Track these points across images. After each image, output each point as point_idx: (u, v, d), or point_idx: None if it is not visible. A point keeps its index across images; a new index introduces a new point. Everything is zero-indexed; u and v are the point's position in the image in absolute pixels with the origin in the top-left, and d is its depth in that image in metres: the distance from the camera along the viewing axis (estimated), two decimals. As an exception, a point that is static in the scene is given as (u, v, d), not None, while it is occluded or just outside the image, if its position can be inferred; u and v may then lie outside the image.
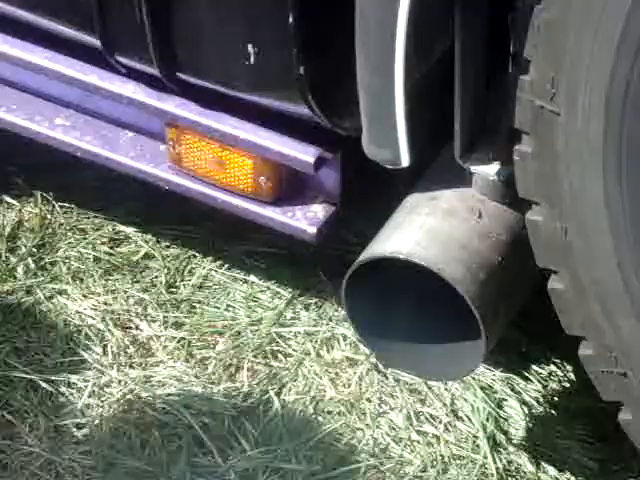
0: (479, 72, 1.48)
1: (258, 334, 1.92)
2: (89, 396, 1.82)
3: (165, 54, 1.61)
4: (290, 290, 1.97)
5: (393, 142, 1.47)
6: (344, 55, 1.46)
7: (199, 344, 1.91)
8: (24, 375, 1.84)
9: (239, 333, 1.92)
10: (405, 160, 1.49)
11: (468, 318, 1.54)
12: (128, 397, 1.82)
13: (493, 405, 1.81)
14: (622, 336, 1.47)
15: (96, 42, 1.66)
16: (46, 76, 1.76)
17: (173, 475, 1.73)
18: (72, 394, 1.83)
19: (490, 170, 1.55)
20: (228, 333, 1.92)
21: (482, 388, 1.83)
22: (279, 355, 1.90)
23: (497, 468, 1.74)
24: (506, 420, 1.80)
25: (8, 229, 2.04)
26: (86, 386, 1.83)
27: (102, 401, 1.82)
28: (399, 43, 1.37)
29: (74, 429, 1.78)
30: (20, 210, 2.07)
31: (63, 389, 1.83)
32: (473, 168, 1.56)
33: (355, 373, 1.86)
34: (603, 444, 1.77)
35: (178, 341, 1.91)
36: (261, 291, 1.98)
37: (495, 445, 1.77)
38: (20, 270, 1.99)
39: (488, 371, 1.85)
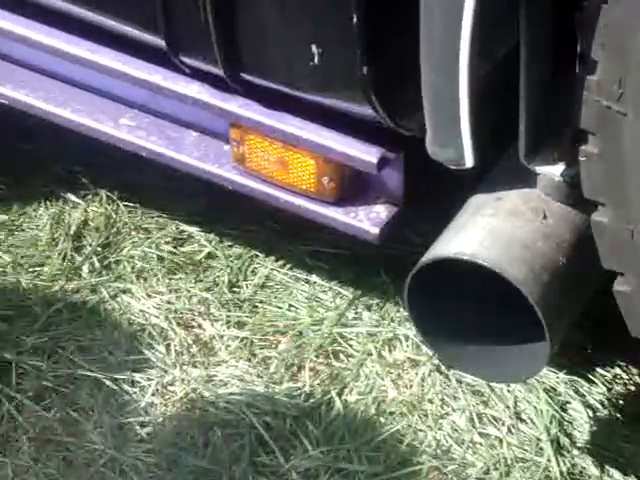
0: (544, 72, 1.47)
1: (320, 334, 1.92)
2: (152, 394, 1.84)
3: (229, 54, 1.61)
4: (352, 290, 1.97)
5: (457, 142, 1.46)
6: (408, 55, 1.45)
7: (261, 344, 1.92)
8: (89, 373, 1.86)
9: (301, 333, 1.92)
10: (469, 160, 1.48)
11: (532, 320, 1.53)
12: (191, 396, 1.83)
13: (557, 408, 1.79)
14: (689, 339, 1.45)
15: (161, 42, 1.67)
16: (111, 76, 1.77)
17: (235, 474, 1.73)
18: (136, 392, 1.84)
19: (555, 171, 1.54)
20: (290, 333, 1.93)
21: (546, 390, 1.81)
22: (341, 355, 1.90)
23: (561, 471, 1.73)
24: (570, 423, 1.79)
25: (74, 228, 2.06)
26: (150, 385, 1.85)
27: (165, 400, 1.83)
28: (464, 42, 1.37)
29: (138, 427, 1.79)
30: (85, 209, 2.10)
31: (127, 387, 1.85)
32: (538, 169, 1.54)
33: (417, 374, 1.86)
34: (669, 448, 1.75)
35: (240, 340, 1.92)
36: (323, 291, 1.98)
37: (559, 448, 1.75)
38: (85, 269, 2.01)
39: (552, 373, 1.83)
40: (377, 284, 1.98)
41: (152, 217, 2.09)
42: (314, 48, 1.53)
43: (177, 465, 1.75)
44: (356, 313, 1.95)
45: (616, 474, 1.73)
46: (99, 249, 2.04)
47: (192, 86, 1.71)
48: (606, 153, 1.39)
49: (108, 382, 1.85)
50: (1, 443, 1.76)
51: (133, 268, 2.01)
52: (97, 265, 2.01)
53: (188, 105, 1.74)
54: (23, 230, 2.08)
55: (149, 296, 1.97)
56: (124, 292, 1.98)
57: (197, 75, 1.70)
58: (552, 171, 1.54)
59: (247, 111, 1.68)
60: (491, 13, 1.37)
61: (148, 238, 2.06)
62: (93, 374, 1.85)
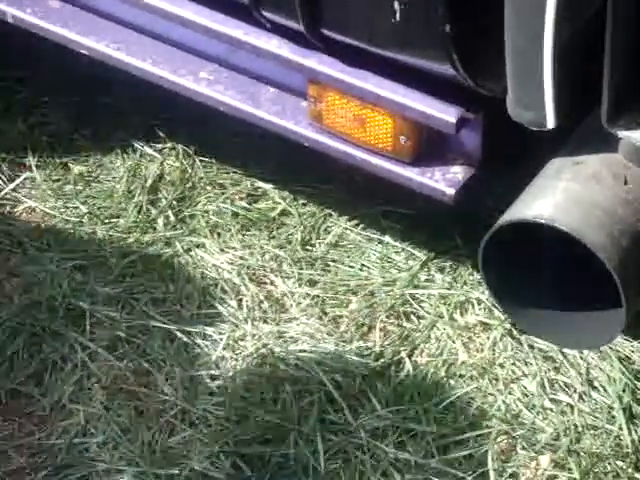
0: (630, 36, 1.44)
1: (391, 295, 1.91)
2: (224, 349, 1.85)
3: (310, 10, 1.60)
4: (425, 252, 1.96)
5: (539, 103, 1.44)
6: (492, 14, 1.43)
7: (332, 302, 1.92)
8: (162, 325, 1.87)
9: (372, 293, 1.92)
10: (551, 122, 1.46)
11: (609, 286, 1.51)
12: (261, 351, 1.84)
13: (630, 376, 1.77)
14: None
15: (243, -3, 1.66)
16: (192, 30, 1.77)
17: (304, 430, 1.74)
18: (207, 346, 1.85)
19: (638, 136, 1.51)
20: (362, 293, 1.92)
21: (620, 359, 1.79)
22: (412, 317, 1.89)
23: (632, 440, 1.71)
24: (643, 392, 1.77)
25: (150, 181, 2.08)
26: (221, 339, 1.86)
27: (236, 354, 1.84)
28: (550, 3, 1.34)
29: (208, 380, 1.81)
30: (162, 163, 2.11)
31: (199, 341, 1.86)
32: (620, 133, 1.52)
33: (488, 338, 1.84)
34: None
35: (312, 298, 1.92)
36: (396, 252, 1.97)
37: (631, 417, 1.73)
38: (160, 222, 2.02)
39: (626, 342, 1.81)
40: (450, 246, 1.96)
41: (227, 173, 2.09)
42: (396, 4, 1.51)
43: (246, 419, 1.76)
44: (428, 275, 1.94)
45: (689, 445, 1.71)
46: (174, 203, 2.05)
47: (272, 41, 1.71)
48: (693, 118, 1.36)
49: (180, 334, 1.86)
50: (74, 391, 1.79)
51: (207, 223, 2.02)
52: (172, 219, 2.02)
53: (268, 60, 1.74)
54: (100, 182, 2.09)
55: (222, 251, 1.98)
56: (198, 246, 1.99)
57: (277, 30, 1.69)
58: (635, 136, 1.51)
59: (326, 67, 1.67)
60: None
61: (223, 193, 2.06)
62: (166, 326, 1.87)
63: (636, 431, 1.72)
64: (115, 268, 1.94)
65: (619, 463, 1.69)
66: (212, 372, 1.82)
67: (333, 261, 1.97)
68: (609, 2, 1.41)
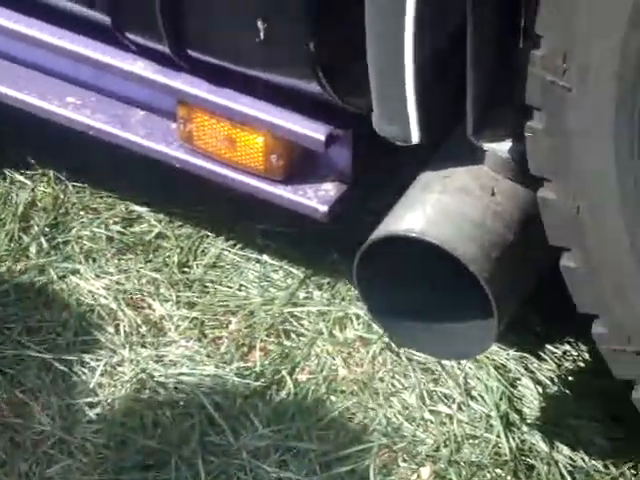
0: (490, 47, 1.47)
1: (271, 314, 1.91)
2: (101, 375, 1.82)
3: (175, 31, 1.60)
4: (303, 270, 1.97)
5: (403, 118, 1.46)
6: (355, 31, 1.44)
7: (212, 324, 1.91)
8: (37, 354, 1.84)
9: (252, 313, 1.92)
10: (415, 137, 1.48)
11: (481, 296, 1.53)
12: (140, 376, 1.82)
13: (507, 384, 1.80)
14: (634, 314, 1.45)
15: (106, 19, 1.65)
16: (56, 54, 1.75)
17: (185, 454, 1.72)
18: (84, 373, 1.83)
19: (502, 147, 1.54)
20: (241, 313, 1.92)
21: (496, 367, 1.82)
22: (292, 335, 1.89)
23: (510, 447, 1.73)
24: (520, 399, 1.79)
25: (21, 208, 2.04)
26: (98, 365, 1.83)
27: (114, 380, 1.82)
28: (409, 17, 1.36)
29: (86, 408, 1.78)
30: (33, 189, 2.07)
31: (76, 368, 1.83)
32: (485, 145, 1.54)
33: (368, 352, 1.85)
34: (617, 423, 1.76)
35: (191, 321, 1.91)
36: (274, 271, 1.97)
37: (509, 424, 1.76)
38: (33, 249, 1.99)
39: (502, 350, 1.83)
40: (328, 263, 1.97)
41: (101, 197, 2.07)
42: (260, 24, 1.52)
43: (126, 445, 1.73)
44: (307, 292, 1.94)
45: (565, 449, 1.74)
46: (47, 229, 2.02)
47: (138, 63, 1.70)
48: (551, 128, 1.39)
49: (56, 363, 1.83)
50: (-53, 425, 1.75)
51: (82, 248, 1.99)
52: (45, 245, 1.99)
53: (134, 83, 1.73)
54: (-31, 211, 2.06)
55: (98, 277, 1.96)
56: (72, 273, 1.96)
57: (143, 52, 1.68)
58: (499, 148, 1.54)
59: (193, 88, 1.67)
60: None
61: (97, 218, 2.04)
62: (41, 355, 1.84)
63: (514, 438, 1.74)
64: (-13, 298, 1.91)
65: (498, 471, 1.71)
66: (90, 400, 1.79)
67: (211, 282, 1.96)
68: (469, 17, 1.43)
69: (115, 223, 2.03)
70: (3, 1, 1.74)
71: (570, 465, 1.73)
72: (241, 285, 1.96)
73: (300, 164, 1.71)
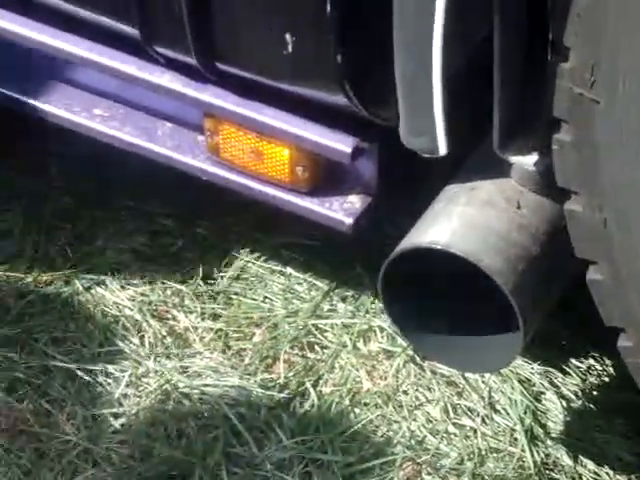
0: (518, 60, 1.47)
1: (295, 326, 1.91)
2: (126, 386, 1.83)
3: (203, 44, 1.61)
4: (327, 282, 1.97)
5: (431, 130, 1.46)
6: (382, 43, 1.45)
7: (236, 335, 1.91)
8: (62, 364, 1.85)
9: (276, 325, 1.92)
10: (443, 149, 1.48)
11: (507, 309, 1.53)
12: (165, 387, 1.82)
13: (531, 398, 1.80)
14: (662, 327, 1.45)
15: (135, 32, 1.66)
16: (85, 66, 1.76)
17: (209, 465, 1.73)
18: (109, 384, 1.83)
19: (529, 160, 1.54)
20: (265, 325, 1.92)
21: (520, 381, 1.81)
22: (316, 347, 1.89)
23: (535, 462, 1.73)
24: (544, 414, 1.79)
25: (47, 219, 2.05)
26: (123, 376, 1.84)
27: (139, 391, 1.83)
28: (437, 29, 1.37)
29: (111, 418, 1.79)
30: (59, 201, 2.08)
31: (101, 379, 1.84)
32: (512, 158, 1.54)
33: (392, 365, 1.85)
34: (643, 439, 1.76)
35: (215, 332, 1.91)
36: (298, 283, 1.98)
37: (533, 439, 1.75)
38: (59, 261, 2.00)
39: (526, 364, 1.83)
40: (352, 276, 1.97)
41: (127, 209, 2.08)
42: (288, 36, 1.52)
43: (150, 456, 1.74)
44: (331, 305, 1.95)
45: (590, 464, 1.73)
46: (73, 241, 2.03)
47: (166, 76, 1.71)
48: (579, 141, 1.39)
49: (81, 373, 1.84)
50: (-27, 434, 1.76)
51: (107, 260, 2.00)
52: (71, 257, 2.00)
53: (162, 95, 1.73)
54: (-4, 222, 2.07)
55: (123, 288, 1.97)
56: (98, 284, 1.97)
57: (171, 65, 1.69)
58: (526, 161, 1.54)
59: (221, 100, 1.68)
60: (464, 0, 1.37)
61: (122, 230, 2.05)
62: (66, 365, 1.84)
63: (538, 452, 1.74)
64: (13, 309, 1.92)
65: (522, 485, 1.71)
66: (115, 410, 1.80)
67: (235, 294, 1.97)
68: (496, 30, 1.44)
69: (140, 235, 2.04)
70: (34, 14, 1.75)
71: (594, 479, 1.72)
72: (265, 297, 1.96)
73: (326, 176, 1.72)
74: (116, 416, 1.79)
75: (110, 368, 1.85)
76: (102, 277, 1.97)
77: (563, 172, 1.43)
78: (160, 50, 1.67)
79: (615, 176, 1.38)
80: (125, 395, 1.82)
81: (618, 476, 1.72)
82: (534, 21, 1.45)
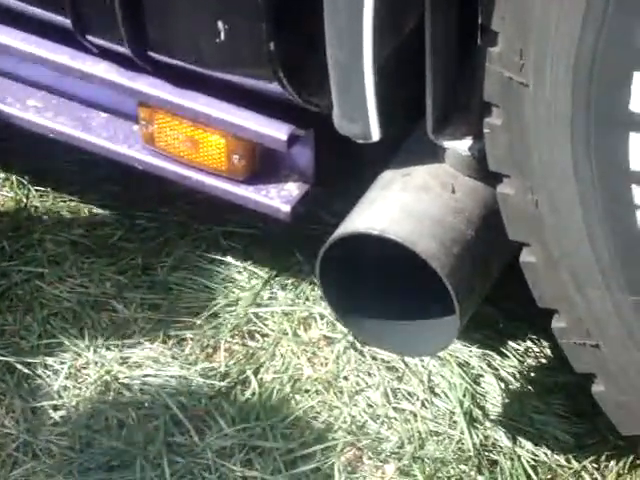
0: (450, 45, 1.48)
1: (235, 315, 1.92)
2: (66, 378, 1.82)
3: (135, 32, 1.60)
4: (267, 270, 1.97)
5: (363, 117, 1.47)
6: (315, 30, 1.45)
7: (176, 325, 1.91)
8: (0, 358, 1.83)
9: (216, 314, 1.92)
10: (376, 134, 1.49)
11: (443, 293, 1.54)
12: (105, 378, 1.82)
13: (470, 381, 1.81)
14: (594, 308, 1.47)
15: (67, 22, 1.65)
16: (17, 57, 1.75)
17: (150, 454, 1.73)
18: (49, 376, 1.82)
19: (462, 145, 1.55)
20: (205, 314, 1.92)
21: (459, 365, 1.83)
22: (256, 335, 1.90)
23: (474, 444, 1.74)
24: (483, 396, 1.81)
25: (-17, 212, 2.04)
26: (63, 368, 1.83)
27: (79, 383, 1.82)
28: (367, 15, 1.37)
29: (51, 411, 1.78)
30: (-5, 193, 2.07)
31: (40, 371, 1.83)
32: (445, 143, 1.55)
33: (332, 352, 1.86)
34: (579, 418, 1.77)
35: (155, 323, 1.91)
36: (238, 272, 1.98)
37: (472, 421, 1.77)
38: (-4, 253, 1.99)
39: (465, 347, 1.85)
40: (292, 263, 1.98)
41: (64, 201, 2.07)
42: (220, 24, 1.52)
43: (91, 447, 1.73)
44: (271, 293, 1.95)
45: (528, 445, 1.75)
46: (10, 234, 2.01)
47: (99, 65, 1.70)
48: (509, 124, 1.41)
49: (20, 366, 1.83)
50: None
51: (45, 252, 1.99)
52: (8, 249, 1.99)
53: (96, 85, 1.72)
54: None
55: (61, 280, 1.95)
56: (36, 276, 1.96)
57: (104, 54, 1.69)
58: (459, 145, 1.55)
59: (155, 90, 1.67)
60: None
61: (60, 222, 2.04)
62: (4, 358, 1.83)
63: (477, 434, 1.76)
64: (-50, 302, 1.91)
65: (462, 467, 1.72)
66: (54, 402, 1.79)
67: (175, 284, 1.97)
68: (427, 15, 1.45)
69: (78, 226, 2.03)
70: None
71: (533, 460, 1.74)
72: (205, 286, 1.96)
73: (262, 164, 1.72)
74: (56, 408, 1.78)
75: (49, 360, 1.84)
76: (40, 269, 1.96)
77: (494, 156, 1.45)
78: (93, 40, 1.66)
79: (545, 158, 1.40)
80: (65, 387, 1.81)
81: (556, 456, 1.74)
82: (465, 6, 1.46)
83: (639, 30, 1.26)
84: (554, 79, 1.33)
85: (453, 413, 1.78)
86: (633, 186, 1.35)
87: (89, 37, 1.66)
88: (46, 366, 1.84)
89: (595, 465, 1.74)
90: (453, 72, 1.52)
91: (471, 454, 1.73)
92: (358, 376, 1.83)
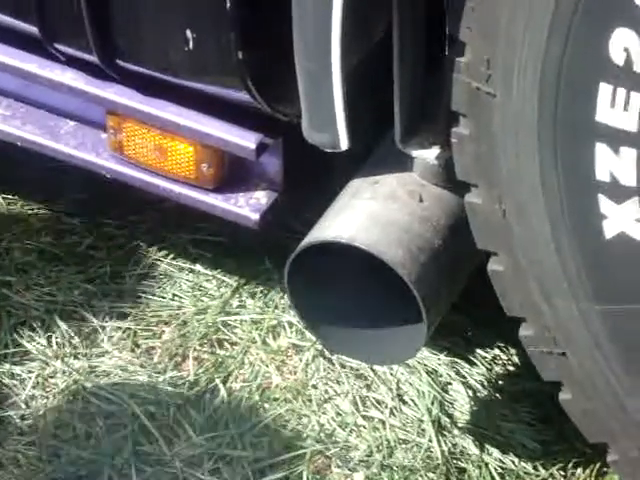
0: (418, 55, 1.49)
1: (204, 323, 1.91)
2: (33, 387, 1.81)
3: (103, 41, 1.60)
4: (236, 279, 1.97)
5: (332, 125, 1.47)
6: (283, 39, 1.46)
7: (145, 334, 1.91)
8: (-33, 367, 1.83)
9: (185, 322, 1.92)
10: (344, 143, 1.49)
11: (410, 301, 1.55)
12: (73, 387, 1.81)
13: (438, 389, 1.82)
14: (561, 316, 1.48)
15: (34, 30, 1.64)
16: (-16, 65, 1.74)
17: (118, 464, 1.72)
18: (16, 385, 1.82)
19: (430, 154, 1.56)
20: (174, 322, 1.92)
21: (427, 372, 1.84)
22: (225, 343, 1.90)
23: (442, 451, 1.75)
24: (451, 404, 1.81)
25: (-50, 221, 2.03)
26: (30, 377, 1.82)
27: (46, 392, 1.81)
28: (335, 25, 1.38)
29: (18, 420, 1.77)
30: (-38, 202, 2.06)
31: (7, 381, 1.82)
32: (413, 152, 1.56)
33: (301, 360, 1.86)
34: (546, 426, 1.78)
35: (123, 331, 1.90)
36: (207, 280, 1.98)
37: (440, 429, 1.78)
38: (-37, 262, 1.98)
39: (433, 355, 1.86)
40: (261, 272, 1.98)
41: (32, 209, 2.06)
42: (188, 33, 1.53)
43: (58, 457, 1.73)
44: (240, 301, 1.95)
45: (495, 452, 1.76)
46: (-23, 242, 2.01)
47: (67, 74, 1.70)
48: (477, 134, 1.41)
49: (-13, 376, 1.82)
50: None
51: (12, 260, 1.98)
52: (-25, 258, 1.98)
53: (64, 93, 1.72)
54: None
55: (29, 288, 1.95)
56: (3, 285, 1.95)
57: (72, 62, 1.68)
58: (427, 155, 1.56)
59: (123, 98, 1.67)
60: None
61: (28, 230, 2.03)
62: (-29, 367, 1.83)
63: (445, 442, 1.76)
64: None
65: (430, 475, 1.73)
66: (22, 412, 1.78)
67: (144, 292, 1.96)
68: (395, 25, 1.45)
69: (46, 235, 2.03)
70: None
71: (500, 467, 1.75)
72: (174, 295, 1.96)
73: (231, 173, 1.72)
74: (23, 418, 1.77)
75: (17, 369, 1.83)
76: (8, 278, 1.95)
77: (462, 165, 1.45)
78: (61, 48, 1.66)
79: (512, 168, 1.41)
80: (32, 396, 1.80)
81: (523, 463, 1.75)
82: (432, 17, 1.47)
83: (605, 41, 1.27)
84: (521, 89, 1.34)
85: (421, 421, 1.78)
86: (599, 196, 1.36)
87: (57, 45, 1.66)
88: (13, 375, 1.83)
89: (562, 472, 1.75)
90: (421, 82, 1.52)
91: (439, 462, 1.74)
92: (327, 384, 1.83)
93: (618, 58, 1.27)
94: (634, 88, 1.28)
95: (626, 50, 1.26)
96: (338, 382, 1.84)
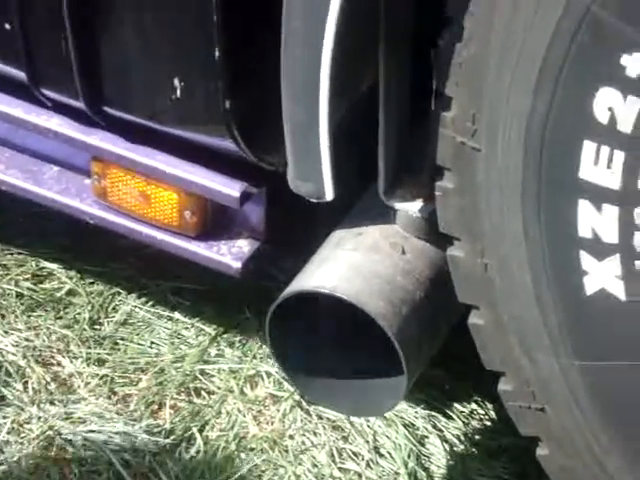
0: (403, 109, 1.51)
1: (182, 371, 1.91)
2: (8, 433, 1.80)
3: (91, 87, 1.61)
4: (215, 327, 1.97)
5: (317, 176, 1.48)
6: (270, 89, 1.47)
7: (122, 381, 1.90)
8: (-59, 411, 1.81)
9: (162, 370, 1.91)
10: (329, 194, 1.50)
11: (391, 353, 1.55)
12: (48, 433, 1.80)
13: (415, 442, 1.82)
14: (540, 371, 1.48)
15: (22, 75, 1.65)
16: (-30, 108, 1.75)
17: (92, 512, 1.71)
18: (-10, 431, 1.80)
19: (413, 207, 1.57)
20: (151, 370, 1.91)
21: (404, 425, 1.83)
22: (202, 392, 1.89)
23: (418, 505, 1.75)
24: (428, 457, 1.81)
25: None
26: (5, 423, 1.81)
27: (21, 438, 1.80)
28: (324, 77, 1.39)
29: (-8, 466, 1.76)
30: (-59, 246, 2.05)
31: (-18, 425, 1.81)
32: (397, 205, 1.57)
33: (278, 410, 1.86)
34: (523, 481, 1.79)
35: (100, 378, 1.89)
36: (185, 328, 1.97)
37: (416, 482, 1.78)
38: (-60, 305, 1.97)
39: (410, 408, 1.85)
40: (240, 321, 1.98)
41: (12, 254, 2.06)
42: (176, 81, 1.54)
43: (32, 503, 1.72)
44: (218, 350, 1.94)
45: (471, 507, 1.76)
46: (-45, 285, 2.00)
47: (53, 119, 1.70)
48: (461, 188, 1.42)
49: (-38, 420, 1.81)
50: None
51: (-9, 304, 1.98)
52: (-47, 301, 1.97)
53: (49, 139, 1.73)
54: None
55: (6, 333, 1.94)
56: (-19, 329, 1.94)
57: (59, 108, 1.69)
58: (410, 207, 1.57)
59: (109, 144, 1.68)
60: (350, 48, 1.39)
61: (7, 275, 2.02)
62: (-54, 412, 1.81)
63: (422, 495, 1.76)
64: None
65: (406, 528, 1.73)
66: (-4, 457, 1.77)
67: (122, 339, 1.96)
68: (381, 79, 1.47)
69: (25, 279, 2.02)
70: None
71: (477, 522, 1.75)
72: (152, 342, 1.95)
73: (214, 220, 1.73)
74: (-3, 463, 1.76)
75: (-9, 414, 1.82)
76: (-15, 322, 1.95)
77: (445, 218, 1.46)
78: (48, 93, 1.67)
79: (495, 222, 1.42)
80: (7, 442, 1.79)
81: (499, 519, 1.75)
82: (419, 72, 1.49)
83: (590, 100, 1.29)
84: (506, 145, 1.36)
85: (398, 474, 1.78)
86: (581, 252, 1.38)
87: (44, 91, 1.66)
88: (-12, 420, 1.82)
89: (539, 528, 1.75)
90: (406, 135, 1.54)
91: (415, 515, 1.74)
92: (304, 435, 1.83)
93: (602, 117, 1.28)
94: (617, 146, 1.29)
95: (610, 109, 1.28)
96: (315, 433, 1.83)
